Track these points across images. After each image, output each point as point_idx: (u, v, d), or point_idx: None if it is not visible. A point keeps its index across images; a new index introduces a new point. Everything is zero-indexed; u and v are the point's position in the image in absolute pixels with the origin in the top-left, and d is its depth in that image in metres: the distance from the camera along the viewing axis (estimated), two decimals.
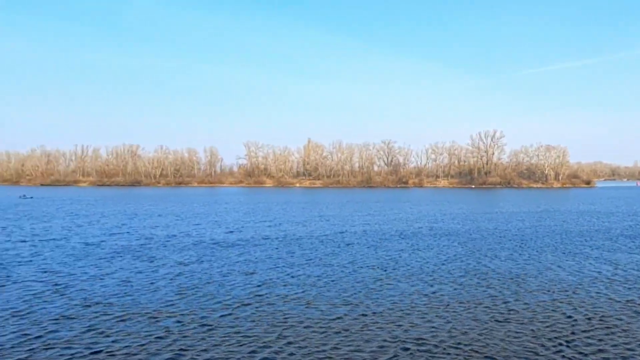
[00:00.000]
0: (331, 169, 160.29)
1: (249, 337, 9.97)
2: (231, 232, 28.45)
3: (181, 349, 9.27)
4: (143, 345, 9.45)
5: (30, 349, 9.21)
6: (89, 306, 12.07)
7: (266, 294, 13.46)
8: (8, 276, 15.59)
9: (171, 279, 15.25)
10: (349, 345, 9.52)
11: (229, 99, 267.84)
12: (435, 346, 9.48)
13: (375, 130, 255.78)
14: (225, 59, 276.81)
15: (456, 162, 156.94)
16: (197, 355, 8.99)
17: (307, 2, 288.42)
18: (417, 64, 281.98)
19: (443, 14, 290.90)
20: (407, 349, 9.33)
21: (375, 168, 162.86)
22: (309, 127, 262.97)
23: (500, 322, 11.05)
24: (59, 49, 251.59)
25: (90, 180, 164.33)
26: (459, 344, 9.63)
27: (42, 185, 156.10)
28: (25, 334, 10.02)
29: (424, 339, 9.85)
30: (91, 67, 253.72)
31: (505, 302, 12.70)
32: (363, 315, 11.52)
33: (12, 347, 9.28)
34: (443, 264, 18.15)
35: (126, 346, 9.37)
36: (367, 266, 17.72)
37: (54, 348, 9.27)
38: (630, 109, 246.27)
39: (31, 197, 71.19)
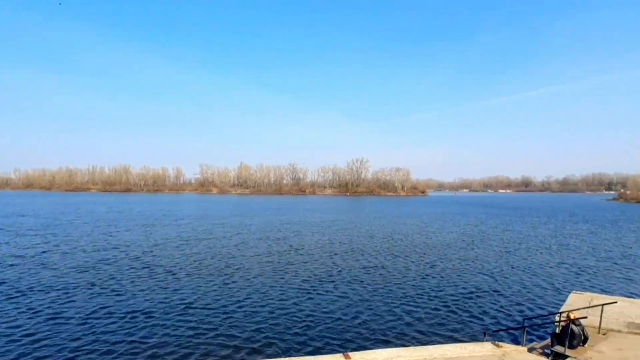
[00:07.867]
0: (255, 182, 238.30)
1: None
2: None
3: None
4: None
5: None
6: None
7: None
8: None
9: None
10: None
11: (188, 133, 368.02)
12: None
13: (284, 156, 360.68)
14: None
15: (337, 178, 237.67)
16: None
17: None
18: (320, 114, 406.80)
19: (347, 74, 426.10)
20: None
21: (284, 181, 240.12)
22: (241, 153, 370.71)
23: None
24: None
25: (97, 187, 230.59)
26: None
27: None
28: None
29: None
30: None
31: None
32: None
33: None
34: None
35: None
36: None
37: None
38: (455, 143, 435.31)
39: None
